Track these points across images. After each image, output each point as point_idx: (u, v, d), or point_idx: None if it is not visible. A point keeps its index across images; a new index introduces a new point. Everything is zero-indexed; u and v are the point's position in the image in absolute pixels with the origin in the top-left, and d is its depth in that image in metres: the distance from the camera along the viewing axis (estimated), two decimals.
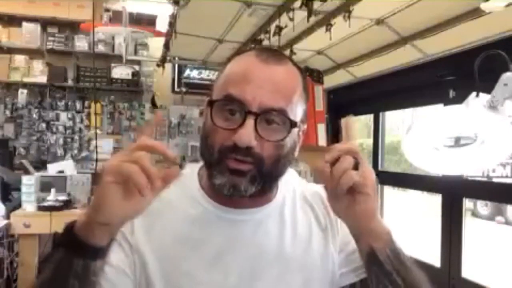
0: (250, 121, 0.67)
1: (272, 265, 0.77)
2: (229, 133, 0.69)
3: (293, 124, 0.71)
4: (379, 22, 2.93)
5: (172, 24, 3.37)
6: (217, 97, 0.72)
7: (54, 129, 5.79)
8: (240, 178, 0.70)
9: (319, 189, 0.88)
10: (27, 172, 3.69)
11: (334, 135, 5.35)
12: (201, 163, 0.83)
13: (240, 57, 0.75)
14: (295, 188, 0.86)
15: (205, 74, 6.30)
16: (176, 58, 5.13)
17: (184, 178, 0.82)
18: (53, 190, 3.03)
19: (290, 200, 0.83)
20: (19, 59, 5.71)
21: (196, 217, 0.77)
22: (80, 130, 5.87)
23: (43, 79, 5.73)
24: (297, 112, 0.73)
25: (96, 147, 4.46)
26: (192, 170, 0.84)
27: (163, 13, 4.58)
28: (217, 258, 0.75)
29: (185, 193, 0.80)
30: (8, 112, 5.66)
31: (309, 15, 2.51)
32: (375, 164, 4.61)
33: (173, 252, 0.75)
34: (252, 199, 0.76)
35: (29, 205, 2.93)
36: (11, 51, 5.75)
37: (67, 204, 3.02)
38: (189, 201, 0.79)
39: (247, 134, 0.67)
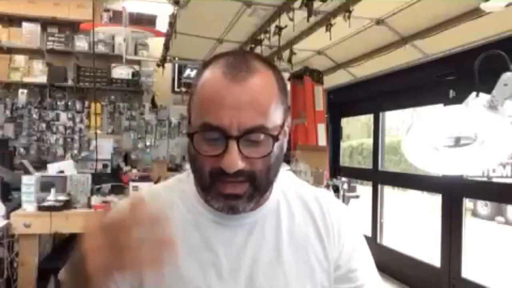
0: (233, 146, 0.67)
1: (268, 268, 0.77)
2: (215, 158, 0.68)
3: (275, 138, 0.70)
4: (379, 22, 2.93)
5: (172, 24, 3.37)
6: (194, 125, 0.70)
7: (54, 129, 5.79)
8: (237, 201, 0.71)
9: (318, 193, 0.87)
10: (27, 172, 3.68)
11: (334, 135, 5.36)
12: None
13: (210, 76, 0.71)
14: (292, 188, 0.85)
15: None
16: (176, 58, 5.13)
17: (181, 183, 0.84)
18: (53, 190, 3.02)
19: (286, 202, 0.83)
20: (19, 59, 5.71)
21: (193, 223, 0.77)
22: (80, 130, 5.87)
23: (43, 79, 5.73)
24: (277, 119, 0.71)
25: (96, 147, 4.46)
26: (189, 175, 0.83)
27: (163, 13, 4.58)
28: (214, 263, 0.75)
29: (182, 198, 0.81)
30: (8, 112, 5.66)
31: (309, 15, 2.52)
32: (375, 164, 4.62)
33: (170, 258, 0.75)
34: None
35: (29, 205, 2.92)
36: (11, 51, 5.76)
37: (67, 204, 3.01)
38: (186, 207, 0.79)
39: (232, 160, 0.67)
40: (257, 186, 0.71)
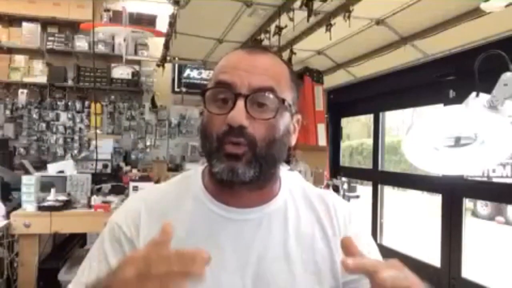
0: (240, 102, 0.71)
1: (275, 264, 0.77)
2: (223, 118, 0.72)
3: (281, 101, 0.73)
4: (379, 22, 2.93)
5: (172, 24, 3.36)
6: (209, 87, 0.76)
7: (54, 129, 5.79)
8: (237, 162, 0.72)
9: (324, 193, 0.88)
10: (27, 172, 3.68)
11: (334, 135, 5.36)
12: (205, 164, 0.85)
13: (229, 53, 0.80)
14: (298, 188, 0.86)
15: (205, 74, 6.30)
16: (176, 58, 5.13)
17: (188, 179, 0.85)
18: (53, 190, 3.02)
19: (293, 202, 0.84)
20: (19, 59, 5.71)
21: (200, 217, 0.78)
22: (80, 130, 5.87)
23: (43, 79, 5.73)
24: (286, 95, 0.75)
25: (96, 147, 4.46)
26: (196, 171, 0.86)
27: (163, 13, 4.58)
28: (221, 257, 0.75)
29: (188, 194, 0.81)
30: (8, 112, 5.66)
31: (309, 15, 2.51)
32: (375, 164, 4.62)
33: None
34: (253, 195, 0.78)
35: (29, 205, 2.92)
36: (11, 51, 5.75)
37: (67, 204, 3.01)
38: (193, 202, 0.80)
39: (238, 114, 0.70)
40: (256, 153, 0.72)
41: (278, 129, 0.74)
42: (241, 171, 0.72)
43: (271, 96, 0.73)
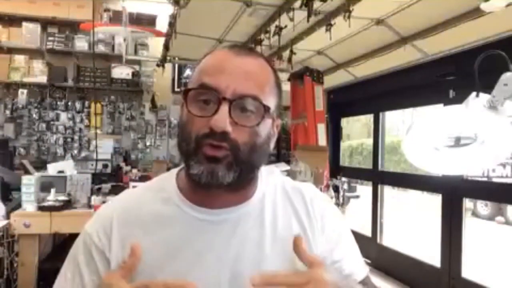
0: (224, 107, 0.69)
1: (252, 265, 0.75)
2: (205, 120, 0.70)
3: (266, 109, 0.72)
4: (379, 22, 2.93)
5: (172, 24, 3.36)
6: (192, 87, 0.73)
7: (54, 129, 5.79)
8: (218, 165, 0.70)
9: (302, 185, 0.87)
10: (27, 172, 3.68)
11: (334, 135, 5.36)
12: (180, 166, 0.84)
13: (213, 52, 0.77)
14: (276, 184, 0.85)
15: None
16: (176, 58, 5.13)
17: (162, 181, 0.83)
18: (53, 190, 3.02)
19: (270, 197, 0.82)
20: (19, 59, 5.71)
21: (174, 220, 0.77)
22: (80, 130, 5.87)
23: (43, 79, 5.73)
24: (270, 102, 0.74)
25: (96, 147, 4.46)
26: (171, 173, 0.84)
27: (163, 13, 4.58)
28: (197, 260, 0.74)
29: (163, 197, 0.79)
30: (8, 112, 5.66)
31: (309, 15, 2.52)
32: (375, 164, 4.61)
33: (153, 258, 0.73)
34: (229, 196, 0.77)
35: (29, 205, 2.92)
36: (11, 51, 5.75)
37: (67, 204, 3.01)
38: (166, 204, 0.79)
39: (222, 119, 0.68)
40: (238, 159, 0.71)
41: (260, 136, 0.73)
42: (221, 174, 0.70)
43: (255, 103, 0.71)
